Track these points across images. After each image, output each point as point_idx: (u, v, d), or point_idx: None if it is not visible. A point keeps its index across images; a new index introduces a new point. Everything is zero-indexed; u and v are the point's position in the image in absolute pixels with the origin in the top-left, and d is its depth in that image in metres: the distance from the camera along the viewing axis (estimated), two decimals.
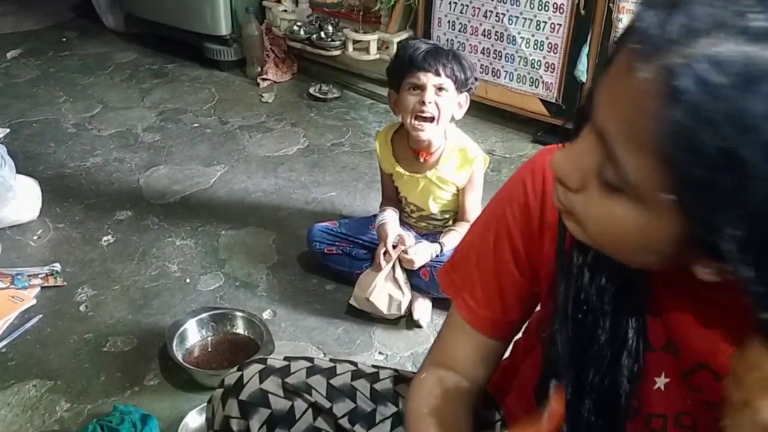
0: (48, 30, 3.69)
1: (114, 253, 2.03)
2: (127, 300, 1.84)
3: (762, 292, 0.47)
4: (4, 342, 1.68)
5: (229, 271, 1.97)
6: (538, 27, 2.52)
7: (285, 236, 2.11)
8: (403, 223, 1.92)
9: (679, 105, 0.45)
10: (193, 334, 1.68)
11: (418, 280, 1.81)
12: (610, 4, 2.35)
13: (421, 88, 1.67)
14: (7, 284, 1.84)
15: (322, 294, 1.89)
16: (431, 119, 1.69)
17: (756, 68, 0.43)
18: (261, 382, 0.86)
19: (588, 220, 0.56)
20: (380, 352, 1.71)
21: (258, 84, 3.10)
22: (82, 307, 1.81)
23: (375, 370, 0.92)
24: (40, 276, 1.89)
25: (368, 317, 1.79)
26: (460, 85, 1.70)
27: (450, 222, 1.90)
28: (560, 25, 2.47)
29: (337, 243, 1.89)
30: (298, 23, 3.11)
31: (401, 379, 0.91)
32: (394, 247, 1.80)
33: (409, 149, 1.81)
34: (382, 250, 1.80)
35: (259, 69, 3.14)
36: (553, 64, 2.54)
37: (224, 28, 3.13)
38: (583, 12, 2.41)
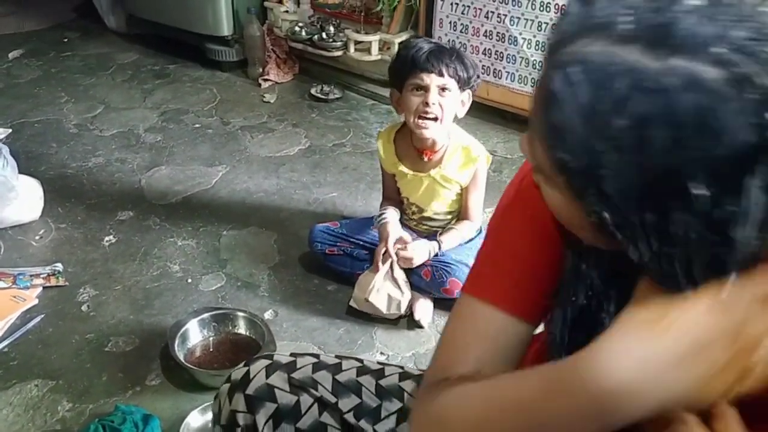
0: (49, 30, 3.69)
1: (116, 253, 2.02)
2: (129, 300, 1.84)
3: (647, 262, 0.52)
4: (6, 342, 1.68)
5: (231, 271, 1.97)
6: (539, 28, 2.52)
7: (286, 237, 2.11)
8: (403, 225, 1.92)
9: (551, 100, 0.50)
10: (195, 335, 1.68)
11: (419, 280, 1.80)
12: None
13: (425, 89, 1.67)
14: (9, 284, 1.84)
15: (323, 294, 1.89)
16: (435, 119, 1.69)
17: (613, 67, 0.47)
18: (267, 377, 0.87)
19: (544, 198, 0.60)
20: (382, 353, 1.71)
21: (259, 84, 3.10)
22: (83, 307, 1.81)
23: (380, 366, 0.92)
24: (42, 276, 1.88)
25: (369, 318, 1.79)
26: (463, 84, 1.70)
27: (452, 223, 1.89)
28: None
29: (338, 243, 1.89)
30: (300, 24, 3.11)
31: (407, 375, 0.91)
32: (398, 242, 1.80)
33: (413, 148, 1.81)
34: (382, 250, 1.80)
35: (261, 70, 3.14)
36: None
37: (226, 29, 3.13)
38: None
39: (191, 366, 1.58)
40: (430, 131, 1.71)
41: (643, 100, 0.46)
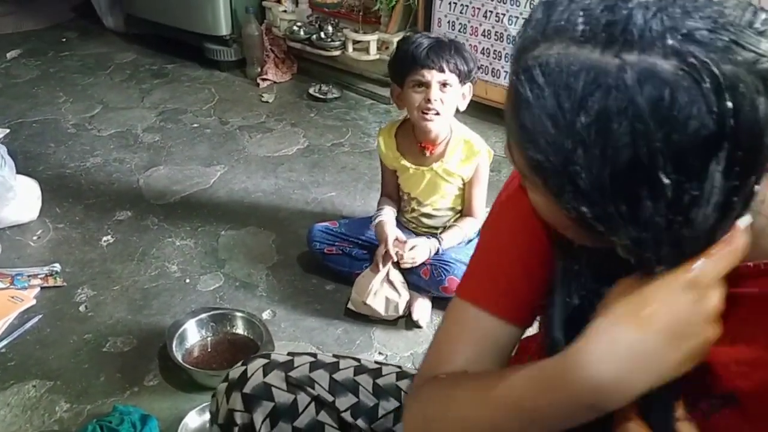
0: (48, 30, 3.69)
1: (114, 253, 2.02)
2: (127, 300, 1.84)
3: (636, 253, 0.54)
4: (4, 342, 1.68)
5: (229, 271, 1.96)
6: None
7: (285, 236, 2.11)
8: (403, 227, 1.91)
9: (519, 104, 0.52)
10: (193, 335, 1.67)
11: (417, 279, 1.80)
12: None
13: (426, 85, 1.67)
14: (6, 284, 1.83)
15: (321, 294, 1.88)
16: (437, 114, 1.69)
17: (573, 67, 0.48)
18: (265, 375, 0.87)
19: (531, 202, 0.62)
20: (380, 353, 1.70)
21: (258, 84, 3.10)
22: (81, 308, 1.81)
23: (378, 365, 0.92)
24: (39, 276, 1.88)
25: (367, 318, 1.79)
26: (464, 78, 1.69)
27: (451, 221, 1.89)
28: None
29: (336, 243, 1.89)
30: (298, 23, 3.11)
31: (404, 375, 0.92)
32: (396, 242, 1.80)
33: (415, 143, 1.81)
34: (383, 251, 1.79)
35: (259, 69, 3.14)
36: None
37: (224, 29, 3.13)
38: None
39: (189, 366, 1.58)
40: (435, 124, 1.71)
41: (603, 97, 0.47)
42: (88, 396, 1.54)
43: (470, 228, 1.84)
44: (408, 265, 1.78)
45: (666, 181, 0.48)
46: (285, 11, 3.15)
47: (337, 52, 3.01)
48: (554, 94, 0.49)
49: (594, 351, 0.53)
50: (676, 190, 0.48)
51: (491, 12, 2.61)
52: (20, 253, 2.01)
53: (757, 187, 0.51)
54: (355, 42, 2.97)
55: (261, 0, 3.18)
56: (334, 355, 0.94)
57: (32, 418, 1.49)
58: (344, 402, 0.86)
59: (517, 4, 2.53)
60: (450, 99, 1.69)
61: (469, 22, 2.68)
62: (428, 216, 1.89)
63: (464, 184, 1.83)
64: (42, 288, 1.85)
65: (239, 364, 0.91)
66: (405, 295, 1.78)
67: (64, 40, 3.57)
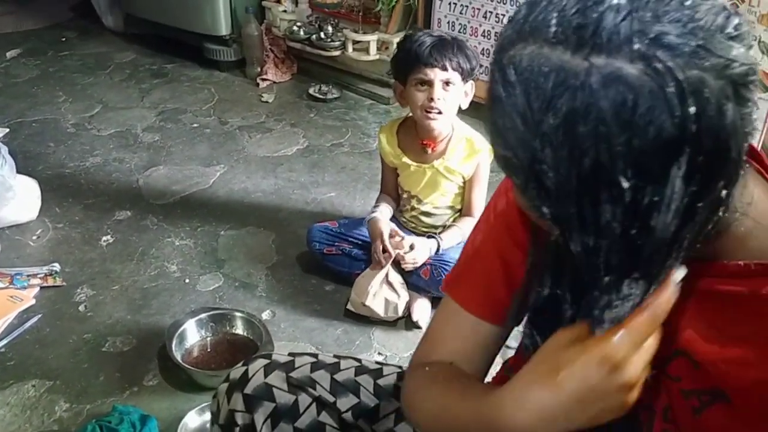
0: (47, 30, 3.69)
1: (113, 253, 2.02)
2: (127, 300, 1.84)
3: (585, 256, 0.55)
4: (3, 342, 1.68)
5: (229, 271, 1.96)
6: None
7: (284, 236, 2.11)
8: (401, 226, 1.91)
9: (493, 102, 0.53)
10: (193, 335, 1.67)
11: (417, 279, 1.80)
12: None
13: (429, 83, 1.67)
14: (6, 284, 1.83)
15: (321, 294, 1.88)
16: (440, 113, 1.69)
17: (543, 68, 0.49)
18: (266, 376, 0.87)
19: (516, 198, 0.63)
20: (379, 353, 1.70)
21: (257, 84, 3.10)
22: (81, 307, 1.81)
23: (379, 366, 0.93)
24: (39, 276, 1.88)
25: (367, 318, 1.79)
26: (467, 76, 1.70)
27: (450, 221, 1.89)
28: None
29: (336, 243, 1.89)
30: (298, 23, 3.11)
31: (404, 375, 0.91)
32: (391, 236, 1.79)
33: (417, 140, 1.81)
34: (380, 248, 1.79)
35: (259, 69, 3.14)
36: None
37: (224, 29, 3.13)
38: None
39: (189, 366, 1.58)
40: (438, 123, 1.72)
41: (570, 99, 0.48)
42: (87, 396, 1.54)
43: (469, 228, 1.83)
44: (410, 267, 1.78)
45: (625, 184, 0.48)
46: (285, 11, 3.16)
47: (336, 53, 3.02)
48: (525, 92, 0.50)
49: (513, 400, 0.60)
50: (635, 194, 0.48)
51: (491, 12, 2.61)
52: (20, 252, 2.01)
53: (724, 192, 0.51)
54: (354, 42, 2.98)
55: (261, 0, 3.19)
56: (335, 356, 0.94)
57: (32, 417, 1.49)
58: (345, 402, 0.86)
59: (517, 4, 2.53)
60: (453, 97, 1.69)
61: (468, 22, 2.68)
62: (428, 214, 1.89)
63: (464, 183, 1.83)
64: (41, 288, 1.85)
65: (240, 364, 0.91)
66: (404, 296, 1.78)
67: (63, 39, 3.57)
